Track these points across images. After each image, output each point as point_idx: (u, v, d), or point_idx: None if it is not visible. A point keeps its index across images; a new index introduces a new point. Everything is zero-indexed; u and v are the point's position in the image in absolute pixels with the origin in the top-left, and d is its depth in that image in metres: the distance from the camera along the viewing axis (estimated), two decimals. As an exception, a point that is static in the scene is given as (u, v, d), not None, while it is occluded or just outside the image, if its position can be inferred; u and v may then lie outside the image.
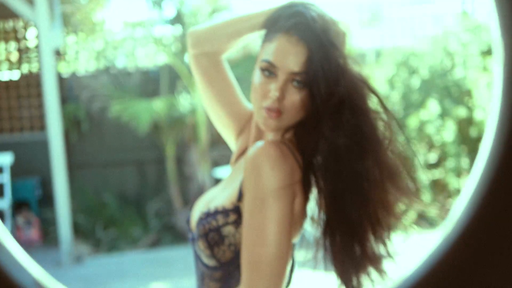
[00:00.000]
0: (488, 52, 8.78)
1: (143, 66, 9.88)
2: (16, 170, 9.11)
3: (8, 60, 10.14)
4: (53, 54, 7.97)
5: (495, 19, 1.51)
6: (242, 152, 1.98)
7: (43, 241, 9.00)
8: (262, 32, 1.82)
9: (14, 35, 10.09)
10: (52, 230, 8.81)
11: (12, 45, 10.13)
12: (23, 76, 10.04)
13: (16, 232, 8.86)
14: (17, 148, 9.41)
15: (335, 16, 1.77)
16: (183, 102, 8.61)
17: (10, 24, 10.10)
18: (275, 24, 1.76)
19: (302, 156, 1.72)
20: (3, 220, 8.69)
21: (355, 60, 1.73)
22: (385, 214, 1.72)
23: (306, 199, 1.71)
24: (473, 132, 8.63)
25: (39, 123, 9.86)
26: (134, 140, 9.44)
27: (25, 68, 10.11)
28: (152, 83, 9.53)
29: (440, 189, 8.76)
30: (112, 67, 9.81)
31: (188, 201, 8.95)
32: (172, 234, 8.78)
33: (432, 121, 8.55)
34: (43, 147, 8.77)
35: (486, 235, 1.52)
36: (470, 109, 8.59)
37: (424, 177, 8.54)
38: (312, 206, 1.74)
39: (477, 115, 8.50)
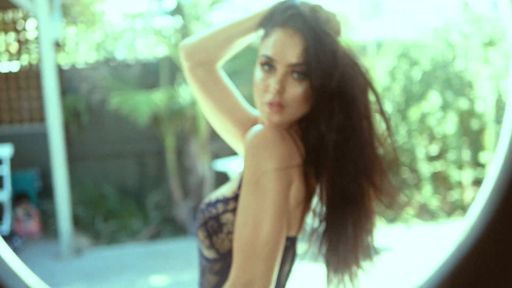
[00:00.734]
0: (489, 44, 8.74)
1: (143, 57, 9.84)
2: (16, 162, 9.09)
3: (8, 51, 10.10)
4: (52, 45, 7.94)
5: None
6: None
7: (43, 233, 8.98)
8: (261, 30, 1.82)
9: (13, 26, 10.06)
10: (51, 222, 8.79)
11: (12, 36, 10.09)
12: (23, 68, 10.01)
13: (16, 224, 8.84)
14: (17, 140, 9.39)
15: (333, 7, 1.76)
16: (183, 94, 8.58)
17: (9, 15, 10.06)
18: (272, 19, 1.76)
19: (305, 145, 1.70)
20: (2, 212, 8.68)
21: (351, 48, 1.73)
22: (370, 210, 1.73)
23: (306, 188, 1.69)
24: (474, 124, 8.61)
25: (39, 115, 9.83)
26: (134, 132, 9.41)
27: (24, 60, 10.07)
28: (152, 74, 9.50)
29: (441, 181, 8.74)
30: (112, 58, 9.78)
31: (188, 193, 8.93)
32: (172, 227, 8.76)
33: (433, 113, 8.53)
34: (43, 139, 8.75)
35: (500, 243, 1.49)
36: (471, 101, 8.56)
37: (425, 169, 8.52)
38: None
39: (479, 107, 8.48)
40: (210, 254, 1.74)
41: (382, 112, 1.73)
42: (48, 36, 7.84)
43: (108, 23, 10.26)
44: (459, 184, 8.65)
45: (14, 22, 10.06)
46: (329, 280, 1.75)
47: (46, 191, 9.17)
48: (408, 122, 8.56)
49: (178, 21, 9.14)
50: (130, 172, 9.67)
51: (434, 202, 8.54)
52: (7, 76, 9.97)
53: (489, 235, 1.50)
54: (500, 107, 8.52)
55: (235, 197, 1.72)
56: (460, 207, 8.57)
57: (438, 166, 8.67)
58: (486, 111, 8.45)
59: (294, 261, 1.78)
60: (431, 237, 7.66)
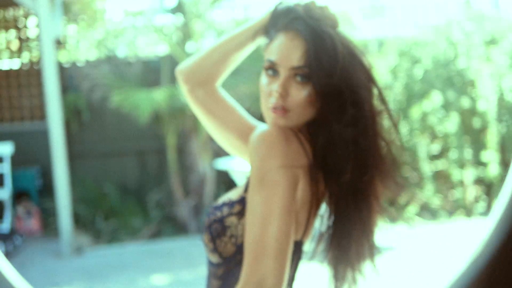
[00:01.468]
0: (491, 42, 8.72)
1: (144, 55, 9.82)
2: (16, 160, 9.08)
3: (9, 49, 10.08)
4: (53, 43, 7.92)
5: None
6: None
7: (43, 232, 8.97)
8: (265, 37, 1.82)
9: (14, 24, 10.04)
10: (52, 220, 8.79)
11: (13, 34, 10.07)
12: (24, 65, 10.00)
13: (16, 222, 8.83)
14: (18, 138, 9.38)
15: (334, 5, 1.75)
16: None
17: (10, 12, 10.04)
18: (275, 24, 1.77)
19: (313, 149, 1.69)
20: (3, 210, 8.67)
21: (351, 41, 1.72)
22: (378, 212, 1.74)
23: (311, 190, 1.67)
24: (476, 123, 8.58)
25: (40, 113, 9.82)
26: (135, 130, 9.40)
27: (25, 57, 10.06)
28: (153, 72, 9.48)
29: (443, 180, 8.72)
30: (113, 56, 9.75)
31: (189, 192, 8.92)
32: (172, 225, 8.75)
33: (435, 111, 8.50)
34: (44, 136, 8.73)
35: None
36: (473, 100, 8.53)
37: (427, 168, 8.50)
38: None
39: (480, 106, 8.45)
40: (213, 258, 1.73)
41: (386, 108, 1.72)
42: (49, 34, 7.82)
43: (109, 21, 10.24)
44: (461, 183, 8.62)
45: (15, 19, 10.04)
46: (334, 282, 1.73)
47: (47, 189, 9.15)
48: (410, 120, 8.54)
49: (179, 19, 9.12)
50: (131, 171, 9.66)
51: (435, 201, 8.52)
52: (8, 74, 9.95)
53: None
54: (502, 106, 8.50)
55: (241, 200, 1.71)
56: (461, 206, 8.55)
57: (440, 165, 8.64)
58: (488, 110, 8.43)
59: (297, 267, 1.76)
60: (432, 236, 7.64)
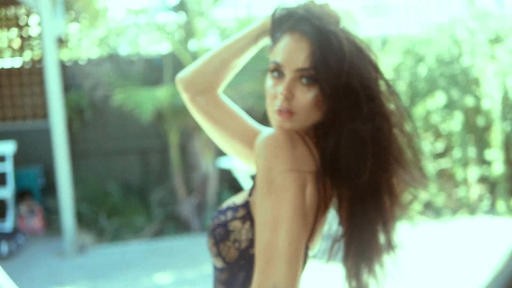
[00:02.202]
0: (495, 40, 8.69)
1: (147, 53, 9.79)
2: (19, 159, 9.07)
3: (11, 47, 10.06)
4: (55, 41, 7.90)
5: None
6: None
7: (46, 230, 8.95)
8: (269, 39, 1.79)
9: (16, 22, 10.02)
10: (55, 219, 8.77)
11: (14, 32, 10.05)
12: (26, 64, 9.98)
13: (19, 221, 8.81)
14: (20, 137, 9.36)
15: (338, 3, 1.72)
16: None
17: (12, 11, 10.02)
18: (279, 26, 1.74)
19: (321, 153, 1.65)
20: (6, 209, 8.65)
21: (358, 38, 1.69)
22: (395, 203, 1.70)
23: (318, 196, 1.63)
24: (480, 121, 8.55)
25: (42, 111, 9.80)
26: (137, 128, 9.38)
27: (27, 56, 10.03)
28: (155, 71, 9.45)
29: (446, 178, 8.69)
30: (115, 54, 9.73)
31: (192, 190, 8.89)
32: (175, 224, 8.73)
33: (439, 110, 8.47)
34: (46, 135, 8.73)
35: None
36: (477, 98, 8.51)
37: (431, 166, 8.47)
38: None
39: (485, 104, 8.42)
40: (217, 263, 1.71)
41: (397, 101, 1.69)
42: (51, 32, 7.80)
43: (111, 19, 10.21)
44: (465, 182, 8.60)
45: (17, 18, 10.02)
46: (350, 283, 1.70)
47: (49, 188, 9.13)
48: (413, 119, 8.50)
49: (181, 17, 9.09)
50: (133, 169, 9.64)
51: (439, 200, 8.49)
52: (10, 72, 9.93)
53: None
54: (506, 104, 8.47)
55: (245, 204, 1.69)
56: (465, 205, 8.52)
57: (444, 163, 8.62)
58: (492, 108, 8.40)
59: (302, 273, 1.73)
60: (436, 235, 7.61)
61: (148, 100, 8.31)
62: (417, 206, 8.31)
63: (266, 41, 1.87)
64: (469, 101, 8.47)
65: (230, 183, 8.85)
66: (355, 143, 1.61)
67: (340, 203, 1.66)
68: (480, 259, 6.70)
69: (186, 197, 8.79)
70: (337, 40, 1.63)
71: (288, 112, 1.64)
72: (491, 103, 8.39)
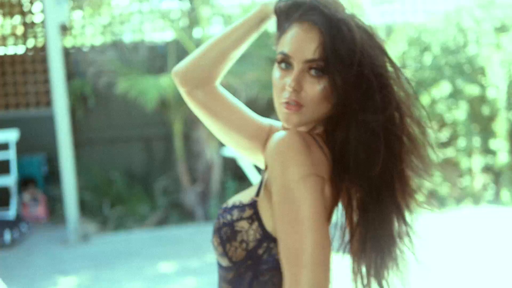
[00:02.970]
0: (501, 29, 8.64)
1: (151, 41, 9.75)
2: (22, 147, 9.05)
3: (14, 34, 10.02)
4: (59, 28, 7.88)
5: None
6: None
7: (50, 219, 8.95)
8: (276, 29, 1.74)
9: (19, 9, 9.97)
10: (58, 207, 8.76)
11: (18, 19, 10.00)
12: (29, 51, 9.94)
13: (22, 209, 8.80)
14: (23, 124, 9.33)
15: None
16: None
17: (15, -2, 9.97)
18: (287, 16, 1.69)
19: (331, 150, 1.62)
20: (9, 197, 8.64)
21: (368, 25, 1.65)
22: (408, 194, 1.68)
23: (332, 197, 1.62)
24: (485, 111, 8.52)
25: (45, 99, 9.77)
26: (141, 116, 9.34)
27: (30, 43, 9.99)
28: (159, 58, 9.41)
29: (451, 168, 8.67)
30: (119, 42, 9.70)
31: (196, 179, 8.87)
32: (179, 212, 8.71)
33: (444, 99, 8.44)
34: (49, 123, 8.71)
35: None
36: (482, 87, 8.47)
37: (435, 155, 8.44)
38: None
39: (490, 93, 8.39)
40: (223, 261, 1.66)
41: (409, 88, 1.67)
42: (55, 19, 7.78)
43: (115, 6, 10.16)
44: (469, 171, 8.57)
45: (20, 4, 9.97)
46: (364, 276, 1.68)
47: (53, 176, 9.12)
48: (424, 107, 8.46)
49: (186, 4, 9.05)
50: (137, 157, 9.61)
51: (443, 189, 8.47)
52: (13, 60, 9.89)
53: None
54: (511, 94, 8.43)
55: (252, 204, 1.64)
56: (469, 194, 8.50)
57: (448, 153, 8.59)
58: (497, 98, 8.37)
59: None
60: (440, 224, 7.59)
61: (152, 88, 8.28)
62: (421, 196, 8.29)
63: (265, 28, 1.85)
64: (474, 90, 8.44)
65: (234, 172, 8.83)
66: (367, 134, 1.58)
67: (350, 197, 1.62)
68: (484, 249, 6.68)
69: (190, 186, 8.77)
70: (348, 29, 1.59)
71: (296, 104, 1.61)
72: (497, 92, 8.37)
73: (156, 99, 8.32)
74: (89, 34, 9.97)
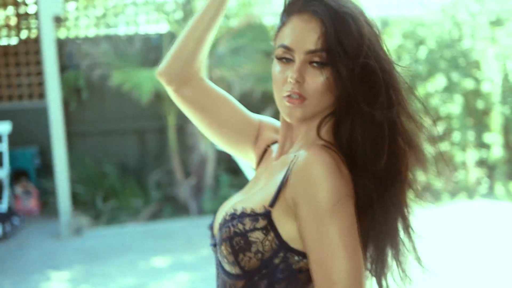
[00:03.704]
0: (496, 23, 8.62)
1: (145, 33, 9.70)
2: (15, 139, 9.00)
3: (7, 25, 9.96)
4: (52, 20, 7.83)
5: None
6: (263, 155, 1.84)
7: (42, 212, 8.91)
8: (277, 20, 1.70)
9: (13, 0, 9.90)
10: (51, 200, 8.72)
11: (11, 10, 9.94)
12: (22, 43, 9.87)
13: (14, 202, 8.76)
14: (16, 117, 9.29)
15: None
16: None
17: (8, -12, 9.91)
18: (286, 8, 1.65)
19: (340, 146, 1.60)
20: (1, 190, 8.60)
21: (372, 18, 1.63)
22: (413, 188, 1.70)
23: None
24: (480, 105, 8.52)
25: (38, 91, 9.72)
26: (135, 109, 9.30)
27: (24, 35, 9.94)
28: (154, 51, 9.37)
29: (445, 162, 8.64)
30: (113, 34, 9.65)
31: (190, 172, 8.85)
32: (173, 206, 8.69)
33: (439, 93, 8.42)
34: (42, 115, 8.66)
35: None
36: (477, 81, 8.46)
37: (429, 149, 8.43)
38: None
39: (485, 87, 8.38)
40: (233, 269, 1.60)
41: (408, 86, 1.66)
42: (48, 10, 7.74)
43: (109, -3, 10.11)
44: (463, 165, 8.57)
45: (14, -5, 9.91)
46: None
47: (45, 169, 9.08)
48: (424, 103, 8.46)
49: (180, -4, 9.01)
50: (131, 150, 9.58)
51: (437, 183, 8.46)
52: (6, 51, 9.84)
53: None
54: (506, 88, 8.42)
55: (266, 214, 1.57)
56: (464, 188, 8.49)
57: (443, 146, 8.57)
58: (492, 92, 8.36)
59: None
60: (434, 218, 7.58)
61: (146, 81, 8.24)
62: (420, 190, 8.28)
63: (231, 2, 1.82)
64: (469, 84, 8.42)
65: (228, 166, 8.80)
66: (372, 129, 1.55)
67: (357, 194, 1.58)
68: (478, 243, 6.68)
69: (184, 179, 8.74)
70: (352, 20, 1.56)
71: (299, 97, 1.58)
72: (491, 86, 8.36)
73: (150, 92, 8.29)
74: (83, 26, 9.92)
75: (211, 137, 1.90)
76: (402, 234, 1.67)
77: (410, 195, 1.68)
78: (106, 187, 8.82)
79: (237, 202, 1.66)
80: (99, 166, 9.17)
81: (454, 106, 8.39)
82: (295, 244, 1.55)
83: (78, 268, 6.74)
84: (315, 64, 1.57)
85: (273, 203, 1.57)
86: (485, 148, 8.52)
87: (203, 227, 8.09)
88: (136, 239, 7.65)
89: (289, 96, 1.58)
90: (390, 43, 8.72)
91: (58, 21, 9.48)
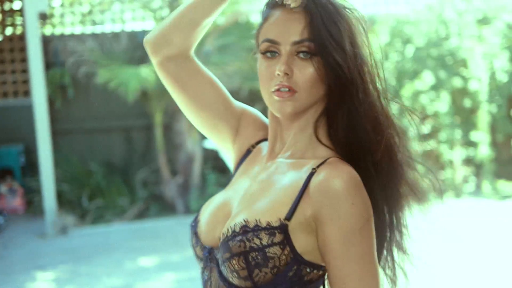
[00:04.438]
0: (483, 21, 8.63)
1: (132, 30, 9.64)
2: (0, 137, 8.93)
3: (-8, 22, 9.88)
4: (38, 17, 7.78)
5: None
6: (244, 154, 1.77)
7: (27, 211, 8.85)
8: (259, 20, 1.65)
9: (-3, -3, 9.83)
10: (36, 199, 8.66)
11: (-4, 7, 9.86)
12: (7, 40, 9.79)
13: (-1, 200, 8.71)
14: (1, 114, 9.25)
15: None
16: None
17: (-7, -15, 9.83)
18: (267, 3, 1.61)
19: (336, 139, 1.58)
20: (-14, 188, 8.54)
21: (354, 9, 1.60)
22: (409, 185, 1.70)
23: None
24: (467, 103, 8.53)
25: (24, 88, 9.65)
26: (121, 107, 9.24)
27: (9, 31, 9.86)
28: (140, 48, 9.31)
29: (433, 160, 8.66)
30: (99, 31, 9.59)
31: (177, 171, 8.81)
32: (159, 204, 8.66)
33: (426, 91, 8.43)
34: (28, 113, 8.61)
35: None
36: (464, 80, 8.47)
37: (417, 147, 8.44)
38: None
39: (472, 86, 8.39)
40: (242, 284, 1.53)
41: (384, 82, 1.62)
42: (34, 7, 7.70)
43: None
44: (451, 163, 8.58)
45: (-2, -8, 9.84)
46: None
47: (31, 167, 9.03)
48: (400, 100, 8.46)
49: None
50: (117, 149, 9.53)
51: (424, 181, 8.47)
52: (-9, 48, 9.76)
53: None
54: (493, 86, 8.44)
55: (283, 227, 1.51)
56: (451, 186, 8.50)
57: (430, 145, 8.57)
58: (479, 90, 8.38)
59: None
60: (421, 216, 7.59)
61: (133, 79, 8.19)
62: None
63: None
64: (457, 82, 8.44)
65: (215, 164, 8.78)
66: (367, 119, 1.54)
67: None
68: (465, 241, 6.68)
69: (170, 178, 8.70)
70: (334, 7, 1.53)
71: (289, 90, 1.52)
72: (478, 84, 8.37)
73: (137, 90, 8.24)
74: (68, 23, 9.85)
75: (190, 118, 1.79)
76: (399, 230, 1.69)
77: (410, 190, 1.69)
78: (92, 186, 8.77)
79: (240, 211, 1.58)
80: (85, 165, 9.12)
81: (442, 104, 8.40)
82: (308, 256, 1.52)
83: (63, 268, 6.69)
84: (302, 55, 1.53)
85: (290, 216, 1.52)
86: (472, 146, 8.54)
87: (189, 226, 8.02)
88: (123, 238, 7.61)
89: (278, 90, 1.53)
90: (378, 41, 8.71)
91: (44, 18, 9.42)
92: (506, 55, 8.41)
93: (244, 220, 1.53)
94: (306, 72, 1.52)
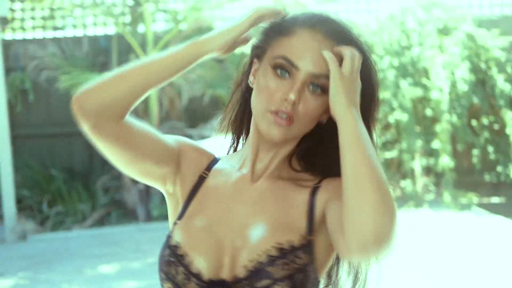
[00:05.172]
0: (444, 31, 8.73)
1: (93, 35, 9.59)
2: (-42, 142, 8.80)
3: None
4: (-2, 21, 7.70)
5: None
6: (197, 181, 1.64)
7: (-15, 217, 8.75)
8: (271, 26, 1.56)
9: (-43, 0, 9.69)
10: (-5, 205, 8.57)
11: (-45, 10, 9.72)
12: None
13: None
14: (-41, 119, 9.09)
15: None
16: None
17: (-47, -12, 9.69)
18: (293, 19, 1.53)
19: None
20: None
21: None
22: None
23: None
24: (428, 112, 8.60)
25: (-17, 93, 9.53)
26: (82, 112, 9.17)
27: (-32, 35, 9.73)
28: (102, 53, 9.27)
29: (394, 169, 8.73)
30: (61, 36, 9.52)
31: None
32: (120, 211, 8.62)
33: (387, 100, 8.49)
34: (-13, 118, 8.49)
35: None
36: (426, 89, 8.55)
37: (379, 156, 8.49)
38: None
39: (433, 95, 8.47)
40: None
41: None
42: (-6, 11, 7.61)
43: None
44: (411, 173, 8.64)
45: (-42, -5, 9.70)
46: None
47: (-10, 172, 8.91)
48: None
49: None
50: (78, 154, 9.46)
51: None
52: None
53: None
54: (454, 96, 8.53)
55: (311, 244, 1.50)
56: (411, 196, 8.55)
57: (391, 153, 8.64)
58: (440, 100, 8.45)
59: None
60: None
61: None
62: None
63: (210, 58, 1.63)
64: (418, 92, 8.51)
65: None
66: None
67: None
68: (426, 252, 6.74)
69: (132, 184, 8.66)
70: (363, 51, 1.50)
71: (288, 118, 1.47)
72: (439, 94, 8.45)
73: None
74: (29, 27, 9.77)
75: (128, 171, 1.65)
76: None
77: None
78: (53, 192, 8.70)
79: (257, 234, 1.53)
80: (45, 170, 9.04)
81: (403, 114, 8.46)
82: (321, 269, 1.55)
83: (22, 274, 6.62)
84: (312, 88, 1.48)
85: (311, 231, 1.51)
86: (433, 156, 8.61)
87: (151, 233, 8.08)
88: (83, 245, 7.55)
89: (276, 113, 1.48)
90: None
91: (4, 22, 9.33)
92: (466, 65, 8.51)
93: (276, 243, 1.49)
94: (310, 106, 1.48)
